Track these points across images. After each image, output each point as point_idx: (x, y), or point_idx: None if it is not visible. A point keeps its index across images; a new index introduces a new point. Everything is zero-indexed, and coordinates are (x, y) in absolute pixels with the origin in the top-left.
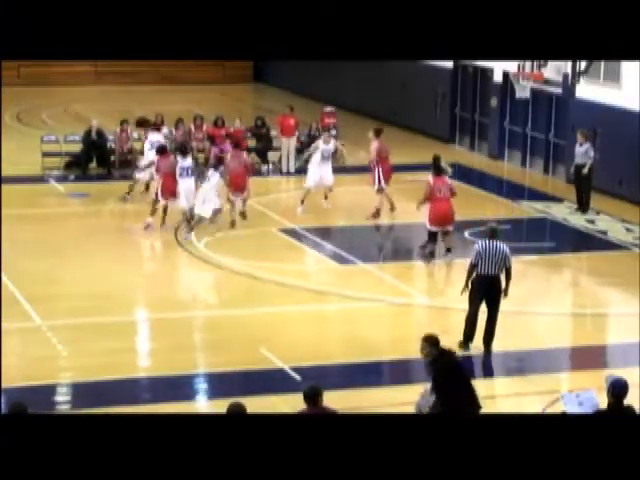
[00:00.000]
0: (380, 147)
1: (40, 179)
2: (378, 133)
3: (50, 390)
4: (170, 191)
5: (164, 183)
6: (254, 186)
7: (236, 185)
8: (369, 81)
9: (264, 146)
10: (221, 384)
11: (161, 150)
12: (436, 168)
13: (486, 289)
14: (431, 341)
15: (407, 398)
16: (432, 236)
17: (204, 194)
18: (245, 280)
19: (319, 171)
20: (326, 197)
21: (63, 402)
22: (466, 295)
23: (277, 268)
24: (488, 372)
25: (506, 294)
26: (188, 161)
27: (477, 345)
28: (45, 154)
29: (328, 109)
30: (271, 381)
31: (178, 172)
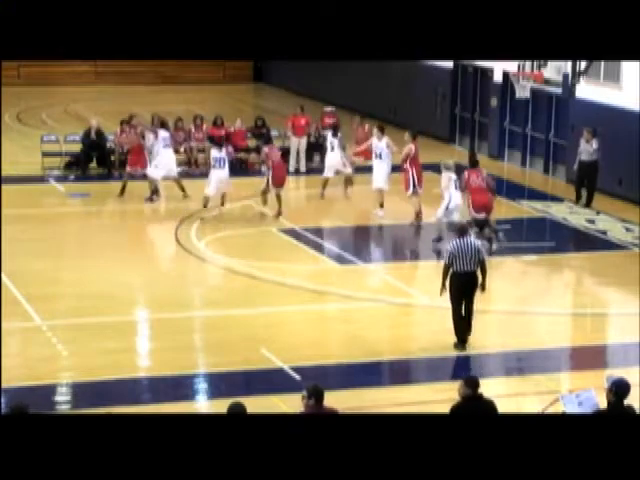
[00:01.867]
0: (416, 150)
1: (40, 179)
2: (415, 136)
3: (50, 390)
4: (280, 180)
5: (275, 172)
6: (254, 186)
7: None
8: (369, 81)
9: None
10: (221, 384)
11: (268, 140)
12: (471, 161)
13: (464, 286)
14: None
15: (407, 398)
16: (477, 224)
17: (341, 158)
18: (245, 280)
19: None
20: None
21: (63, 402)
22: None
23: (277, 268)
24: (487, 372)
25: (483, 288)
26: (223, 152)
27: (476, 345)
28: (45, 154)
29: (328, 109)
30: (271, 381)
31: (212, 163)
